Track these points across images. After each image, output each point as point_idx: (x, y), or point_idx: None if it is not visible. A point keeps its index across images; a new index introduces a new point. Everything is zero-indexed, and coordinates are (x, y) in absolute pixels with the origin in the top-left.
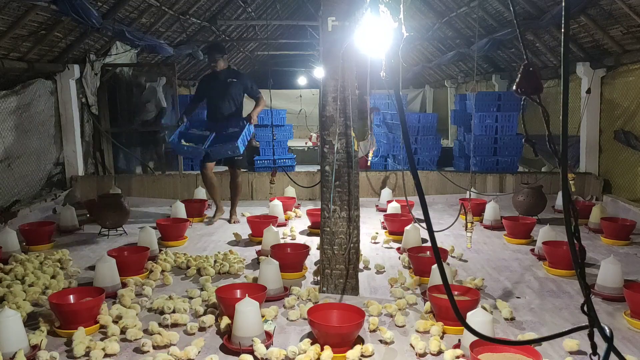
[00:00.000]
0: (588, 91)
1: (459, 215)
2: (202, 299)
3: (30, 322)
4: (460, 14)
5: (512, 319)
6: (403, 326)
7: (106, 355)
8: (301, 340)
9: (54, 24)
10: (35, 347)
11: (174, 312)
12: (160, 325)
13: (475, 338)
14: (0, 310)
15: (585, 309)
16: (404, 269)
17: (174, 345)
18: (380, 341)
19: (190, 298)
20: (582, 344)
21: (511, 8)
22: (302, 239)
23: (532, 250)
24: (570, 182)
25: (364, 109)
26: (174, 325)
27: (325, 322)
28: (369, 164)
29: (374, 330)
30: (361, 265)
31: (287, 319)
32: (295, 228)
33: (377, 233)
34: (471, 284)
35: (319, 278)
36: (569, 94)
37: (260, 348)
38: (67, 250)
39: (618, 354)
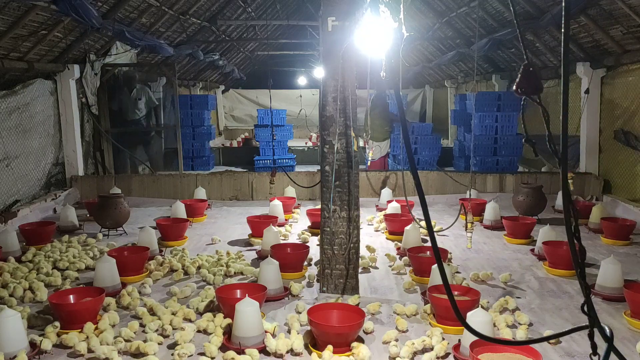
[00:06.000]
0: (586, 91)
1: (459, 215)
2: (200, 299)
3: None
4: (460, 14)
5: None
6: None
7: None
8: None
9: (54, 24)
10: (35, 347)
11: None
12: None
13: (475, 338)
14: (0, 310)
15: (585, 309)
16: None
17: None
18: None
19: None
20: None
21: (511, 8)
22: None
23: (532, 250)
24: (569, 181)
25: (387, 112)
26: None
27: (325, 322)
28: (369, 163)
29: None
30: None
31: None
32: (295, 229)
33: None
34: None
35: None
36: (569, 94)
37: (271, 343)
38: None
39: (618, 354)
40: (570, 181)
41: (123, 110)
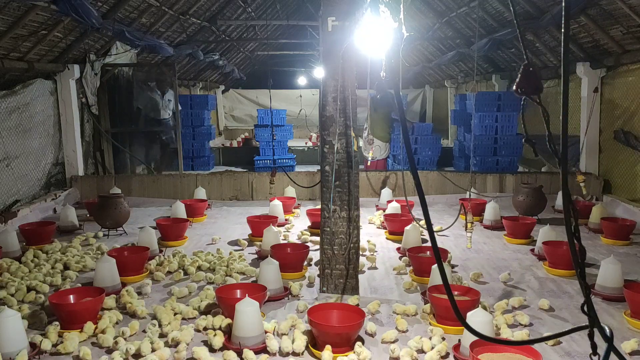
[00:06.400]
0: (595, 90)
1: (459, 215)
2: (200, 299)
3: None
4: (460, 14)
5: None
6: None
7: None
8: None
9: (54, 24)
10: (35, 347)
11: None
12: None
13: (475, 338)
14: (0, 311)
15: (585, 309)
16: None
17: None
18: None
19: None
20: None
21: (511, 8)
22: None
23: (532, 250)
24: (581, 184)
25: (389, 113)
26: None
27: (325, 322)
28: (369, 163)
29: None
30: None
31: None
32: (296, 230)
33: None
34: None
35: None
36: (569, 94)
37: (272, 344)
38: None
39: (618, 354)
40: (582, 185)
41: (150, 108)
